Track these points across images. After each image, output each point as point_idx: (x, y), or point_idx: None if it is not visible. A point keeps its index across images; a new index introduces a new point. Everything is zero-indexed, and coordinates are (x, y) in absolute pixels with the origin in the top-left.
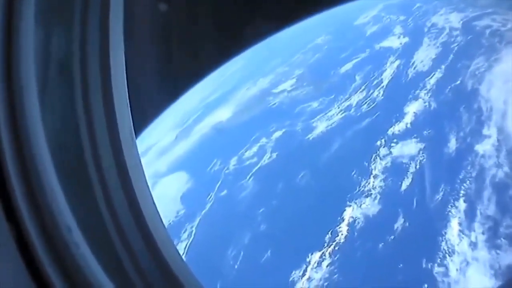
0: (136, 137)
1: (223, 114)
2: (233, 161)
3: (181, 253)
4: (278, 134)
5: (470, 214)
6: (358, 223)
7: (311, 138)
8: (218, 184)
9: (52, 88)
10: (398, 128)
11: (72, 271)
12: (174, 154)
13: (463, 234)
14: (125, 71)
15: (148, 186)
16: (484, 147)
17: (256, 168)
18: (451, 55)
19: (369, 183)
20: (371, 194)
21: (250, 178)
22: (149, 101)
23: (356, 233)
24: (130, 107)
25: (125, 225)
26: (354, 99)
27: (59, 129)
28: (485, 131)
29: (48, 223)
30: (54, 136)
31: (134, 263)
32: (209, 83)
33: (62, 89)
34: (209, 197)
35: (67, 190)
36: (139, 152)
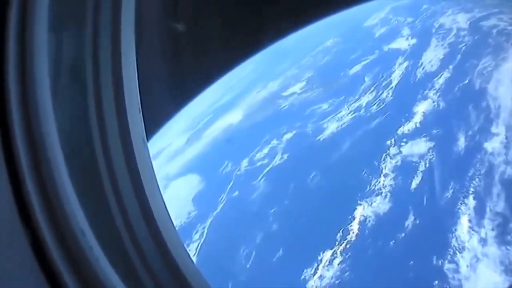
0: (148, 141)
1: (234, 117)
2: (245, 163)
3: (192, 254)
4: (288, 135)
5: (479, 211)
6: (369, 221)
7: (321, 139)
8: (229, 185)
9: (64, 92)
10: (407, 127)
11: (86, 273)
12: (185, 157)
13: (473, 230)
14: (136, 75)
15: (159, 188)
16: (492, 145)
17: (268, 169)
18: (459, 55)
19: (379, 182)
20: (382, 192)
21: (261, 179)
22: (160, 104)
23: (367, 231)
24: (141, 110)
25: (136, 228)
26: (364, 100)
27: (72, 132)
28: (493, 129)
29: (63, 227)
30: (67, 140)
31: (145, 264)
32: (220, 87)
33: (74, 93)
34: (220, 198)
35: (80, 193)
36: (151, 155)
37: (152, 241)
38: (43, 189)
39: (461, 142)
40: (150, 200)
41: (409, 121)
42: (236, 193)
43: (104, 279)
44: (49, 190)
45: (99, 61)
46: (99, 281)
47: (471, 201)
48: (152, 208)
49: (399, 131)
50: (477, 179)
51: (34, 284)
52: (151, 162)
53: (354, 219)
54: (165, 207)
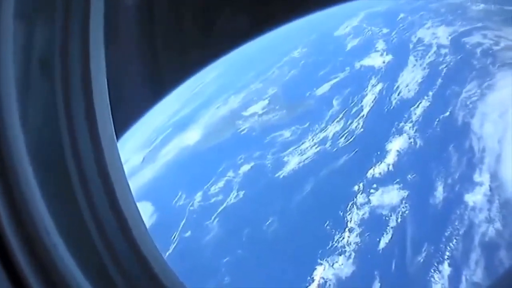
0: (117, 139)
1: (191, 137)
2: (198, 197)
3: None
4: (246, 167)
5: (454, 281)
6: (329, 286)
7: (281, 176)
8: (182, 223)
9: (34, 86)
10: (378, 170)
11: (51, 273)
12: (140, 180)
13: None
14: (105, 70)
15: (129, 186)
16: (474, 197)
17: (222, 208)
18: (439, 79)
19: (343, 238)
20: (345, 251)
21: (215, 219)
22: (129, 104)
23: None
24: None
25: (107, 227)
26: (331, 130)
27: (39, 128)
28: (476, 178)
29: (27, 227)
30: (35, 135)
31: (116, 265)
32: (182, 94)
33: (44, 87)
34: (173, 236)
35: (46, 191)
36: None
37: (123, 239)
38: (7, 189)
39: (439, 193)
40: (120, 198)
41: (381, 162)
42: (189, 233)
43: (69, 278)
44: (13, 191)
45: (68, 54)
46: (64, 280)
47: (445, 268)
48: (122, 206)
49: (369, 174)
50: (455, 240)
51: None
52: (120, 160)
53: (313, 281)
54: (135, 205)
